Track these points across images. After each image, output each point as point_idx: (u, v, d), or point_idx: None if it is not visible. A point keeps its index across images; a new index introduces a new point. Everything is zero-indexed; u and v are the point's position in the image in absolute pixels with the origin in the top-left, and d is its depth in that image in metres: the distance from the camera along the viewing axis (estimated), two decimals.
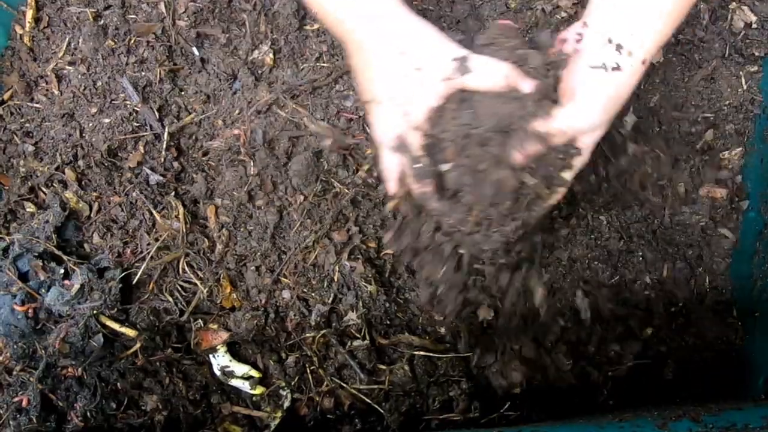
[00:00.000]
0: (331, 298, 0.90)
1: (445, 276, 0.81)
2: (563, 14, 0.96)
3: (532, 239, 0.87)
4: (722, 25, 0.98)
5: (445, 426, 0.88)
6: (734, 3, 0.98)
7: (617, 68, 0.70)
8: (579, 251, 0.96)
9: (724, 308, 0.99)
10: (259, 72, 0.97)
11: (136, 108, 0.94)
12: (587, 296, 0.93)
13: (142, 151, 0.93)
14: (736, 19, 0.98)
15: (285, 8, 0.95)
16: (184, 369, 0.89)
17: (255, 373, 0.90)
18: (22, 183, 0.93)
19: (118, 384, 0.86)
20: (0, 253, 0.86)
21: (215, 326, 0.90)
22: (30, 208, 0.92)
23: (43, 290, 0.85)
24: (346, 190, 0.93)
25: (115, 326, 0.85)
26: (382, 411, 0.88)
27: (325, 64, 0.96)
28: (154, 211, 0.92)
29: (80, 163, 0.93)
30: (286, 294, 0.91)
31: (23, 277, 0.85)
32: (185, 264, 0.91)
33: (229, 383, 0.89)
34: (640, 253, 0.98)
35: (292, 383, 0.89)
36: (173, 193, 0.93)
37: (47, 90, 0.97)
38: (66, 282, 0.85)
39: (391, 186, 0.77)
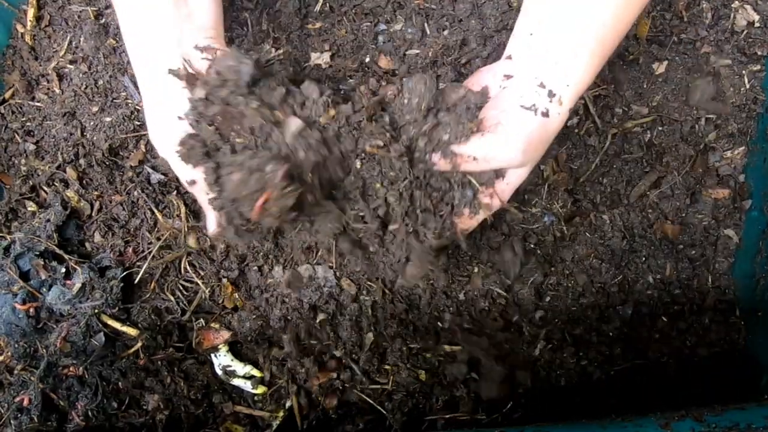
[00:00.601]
0: (333, 298, 0.90)
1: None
2: None
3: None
4: (725, 24, 0.98)
5: (448, 426, 0.88)
6: (737, 2, 0.98)
7: (546, 114, 0.70)
8: (583, 250, 0.96)
9: (727, 308, 0.99)
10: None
11: (137, 107, 0.94)
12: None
13: (144, 150, 0.93)
14: (739, 18, 0.98)
15: (287, 7, 0.95)
16: (186, 368, 0.89)
17: (257, 373, 0.89)
18: (24, 182, 0.93)
19: (120, 383, 0.86)
20: (1, 252, 0.86)
21: (217, 325, 0.89)
22: (31, 207, 0.92)
23: (44, 289, 0.85)
24: None
25: (117, 325, 0.85)
26: (384, 411, 0.88)
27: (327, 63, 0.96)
28: (155, 210, 0.91)
29: (81, 161, 0.93)
30: (288, 294, 0.90)
31: (24, 276, 0.85)
32: (187, 263, 0.91)
33: (231, 383, 0.89)
34: (644, 253, 0.98)
35: (294, 383, 0.89)
36: (175, 192, 0.93)
37: (48, 89, 0.97)
38: (67, 281, 0.85)
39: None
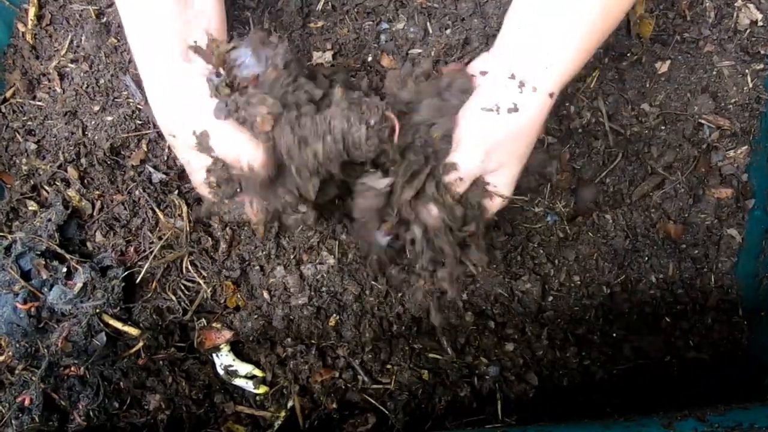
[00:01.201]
0: (335, 298, 0.90)
1: None
2: None
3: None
4: (728, 23, 0.98)
5: (451, 426, 0.88)
6: (740, 1, 0.98)
7: (514, 109, 0.69)
8: (586, 250, 0.96)
9: (729, 307, 0.99)
10: None
11: (138, 106, 0.93)
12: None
13: (145, 149, 0.93)
14: (742, 17, 0.98)
15: (289, 6, 0.95)
16: (187, 368, 0.89)
17: (258, 373, 0.89)
18: (25, 181, 0.93)
19: (121, 383, 0.86)
20: (2, 252, 0.85)
21: (219, 325, 0.89)
22: (32, 206, 0.92)
23: (45, 289, 0.84)
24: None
25: (118, 325, 0.85)
26: (386, 411, 0.88)
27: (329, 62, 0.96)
28: (157, 210, 0.91)
29: (83, 161, 0.92)
30: (290, 293, 0.90)
31: (25, 275, 0.85)
32: (188, 263, 0.91)
33: (233, 382, 0.89)
34: (646, 252, 0.98)
35: (296, 383, 0.89)
36: (176, 192, 0.92)
37: (49, 88, 0.96)
38: (68, 281, 0.85)
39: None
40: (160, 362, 0.87)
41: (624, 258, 0.97)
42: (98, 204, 0.92)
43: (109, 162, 0.92)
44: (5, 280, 0.83)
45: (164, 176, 0.92)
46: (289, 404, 0.88)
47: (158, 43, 0.72)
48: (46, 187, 0.92)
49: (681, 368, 0.96)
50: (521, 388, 0.91)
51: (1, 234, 0.88)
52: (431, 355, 0.90)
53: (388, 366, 0.90)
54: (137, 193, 0.91)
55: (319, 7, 0.96)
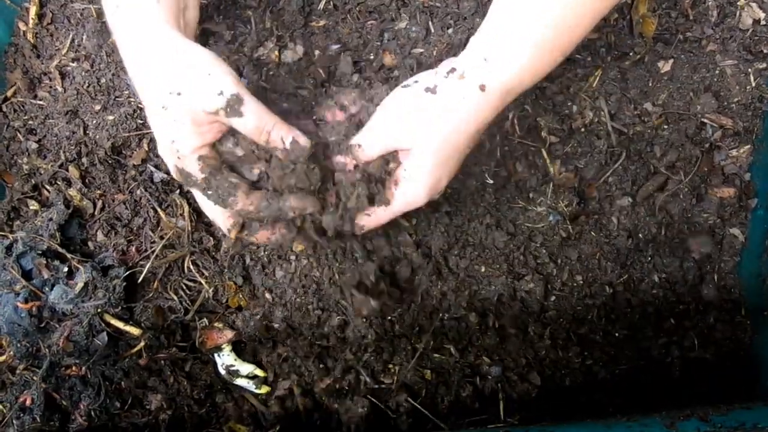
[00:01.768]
0: (338, 297, 0.90)
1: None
2: None
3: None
4: (731, 23, 0.98)
5: (453, 426, 0.88)
6: (742, 0, 0.98)
7: (432, 90, 0.67)
8: (588, 250, 0.95)
9: (732, 307, 0.98)
10: (265, 69, 0.96)
11: (139, 105, 0.93)
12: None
13: (147, 149, 0.93)
14: (745, 16, 0.98)
15: (290, 5, 0.95)
16: (189, 368, 0.89)
17: (260, 373, 0.89)
18: (26, 181, 0.93)
19: (123, 383, 0.86)
20: (3, 251, 0.85)
21: (220, 325, 0.89)
22: (33, 205, 0.91)
23: (46, 288, 0.84)
24: None
25: (120, 324, 0.84)
26: (389, 411, 0.88)
27: None
28: (158, 209, 0.91)
29: (84, 160, 0.92)
30: (292, 294, 0.90)
31: (27, 275, 0.85)
32: (190, 262, 0.90)
33: (234, 382, 0.89)
34: (649, 252, 0.97)
35: (298, 382, 0.89)
36: (178, 191, 0.92)
37: (51, 87, 0.96)
38: (70, 280, 0.85)
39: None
40: (162, 362, 0.87)
41: (626, 257, 0.97)
42: (99, 203, 0.92)
43: (110, 161, 0.92)
44: (6, 280, 0.83)
45: (166, 175, 0.92)
46: (291, 404, 0.88)
47: (148, 45, 0.68)
48: (48, 187, 0.92)
49: (683, 368, 0.95)
50: (524, 388, 0.91)
51: (3, 233, 0.88)
52: (434, 355, 0.90)
53: (391, 366, 0.89)
54: (139, 192, 0.91)
55: (321, 6, 0.96)
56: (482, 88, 0.65)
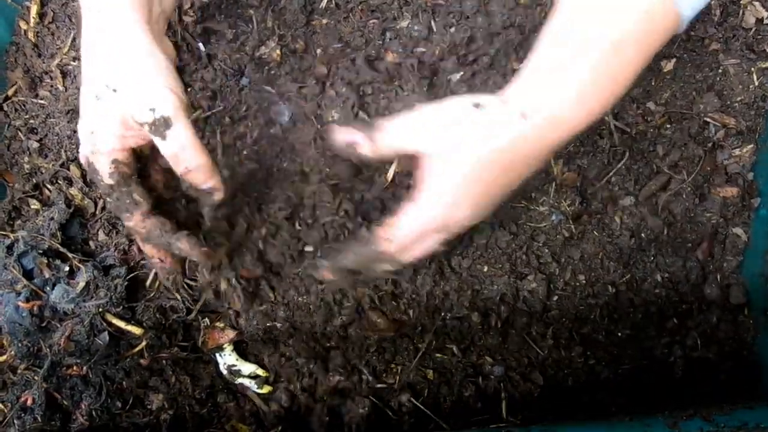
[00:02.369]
0: (339, 296, 0.90)
1: None
2: None
3: None
4: (733, 22, 0.98)
5: (455, 426, 0.88)
6: None
7: (477, 106, 0.63)
8: (591, 249, 0.95)
9: (735, 307, 0.98)
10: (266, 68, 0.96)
11: None
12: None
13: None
14: (748, 14, 0.97)
15: (292, 3, 0.95)
16: (191, 368, 0.89)
17: (262, 372, 0.89)
18: (27, 180, 0.93)
19: (124, 383, 0.85)
20: (4, 251, 0.85)
21: (222, 325, 0.89)
22: (34, 205, 0.91)
23: (48, 288, 0.84)
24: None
25: (121, 324, 0.84)
26: (390, 411, 0.87)
27: None
28: None
29: None
30: (294, 293, 0.90)
31: (28, 274, 0.84)
32: (192, 262, 0.90)
33: (236, 382, 0.89)
34: (652, 252, 0.97)
35: (300, 382, 0.88)
36: None
37: (52, 86, 0.96)
38: (71, 280, 0.84)
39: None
40: (163, 362, 0.87)
41: (629, 257, 0.97)
42: (101, 203, 0.91)
43: None
44: (7, 279, 0.83)
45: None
46: (293, 404, 0.88)
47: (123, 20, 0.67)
48: (49, 186, 0.92)
49: (686, 367, 0.95)
50: (526, 388, 0.90)
51: (4, 233, 0.88)
52: (436, 355, 0.90)
53: (393, 366, 0.89)
54: None
55: (323, 4, 0.96)
56: (524, 115, 0.62)
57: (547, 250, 0.94)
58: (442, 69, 0.94)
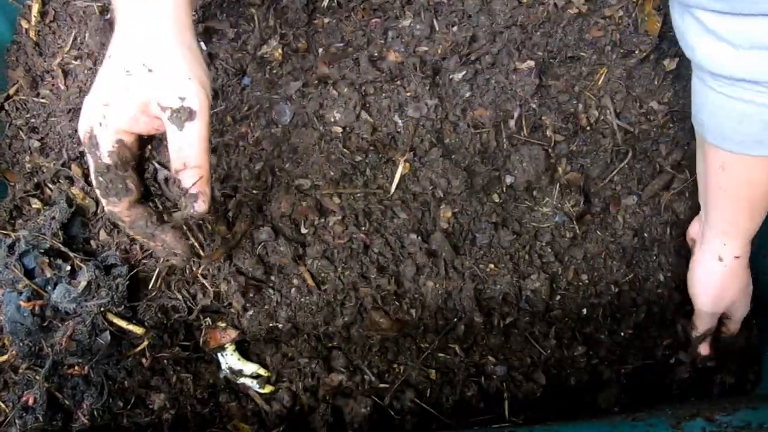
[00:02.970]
0: (341, 296, 0.89)
1: None
2: (575, 10, 0.95)
3: None
4: None
5: (458, 426, 0.87)
6: None
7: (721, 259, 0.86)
8: (594, 249, 0.95)
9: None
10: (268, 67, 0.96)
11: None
12: None
13: (150, 147, 0.92)
14: None
15: (294, 2, 0.94)
16: (192, 367, 0.88)
17: (263, 372, 0.89)
18: (28, 179, 0.92)
19: (125, 382, 0.85)
20: (6, 250, 0.85)
21: (224, 324, 0.89)
22: (36, 204, 0.91)
23: (49, 287, 0.84)
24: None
25: (123, 324, 0.84)
26: (392, 411, 0.87)
27: None
28: (161, 207, 0.90)
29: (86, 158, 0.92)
30: (296, 293, 0.89)
31: (29, 274, 0.84)
32: (194, 261, 0.90)
33: (238, 382, 0.88)
34: (655, 251, 0.97)
35: (302, 382, 0.88)
36: None
37: (53, 85, 0.96)
38: (72, 279, 0.84)
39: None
40: (165, 361, 0.87)
41: (632, 256, 0.96)
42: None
43: None
44: (9, 279, 0.83)
45: (169, 173, 0.92)
46: (295, 404, 0.88)
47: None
48: (50, 185, 0.92)
49: (689, 367, 0.95)
50: (529, 388, 0.90)
51: (5, 232, 0.88)
52: (438, 355, 0.90)
53: (395, 366, 0.89)
54: None
55: (325, 3, 0.95)
56: (720, 259, 0.87)
57: (550, 250, 0.94)
58: (444, 68, 0.94)
